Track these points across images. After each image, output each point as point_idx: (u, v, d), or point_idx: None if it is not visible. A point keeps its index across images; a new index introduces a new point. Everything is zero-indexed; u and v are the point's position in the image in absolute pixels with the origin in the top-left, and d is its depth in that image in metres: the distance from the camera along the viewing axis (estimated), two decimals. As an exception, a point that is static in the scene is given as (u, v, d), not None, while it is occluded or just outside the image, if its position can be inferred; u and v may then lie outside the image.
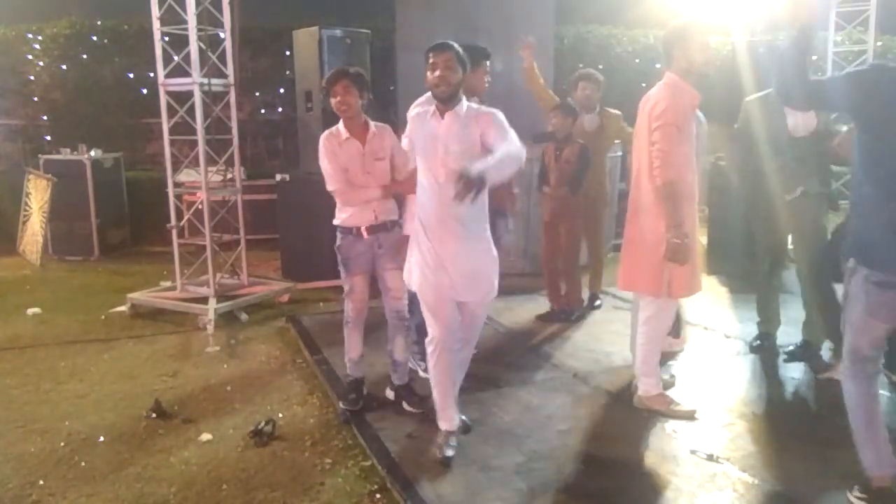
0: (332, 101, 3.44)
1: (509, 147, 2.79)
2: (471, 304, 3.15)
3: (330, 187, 3.48)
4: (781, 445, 3.20)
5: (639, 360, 3.61)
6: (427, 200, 3.04)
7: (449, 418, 3.20)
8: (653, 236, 3.36)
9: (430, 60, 2.95)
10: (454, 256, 3.00)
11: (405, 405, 3.63)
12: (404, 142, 3.35)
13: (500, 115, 2.99)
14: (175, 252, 5.72)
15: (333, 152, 3.44)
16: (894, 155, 2.45)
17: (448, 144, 2.96)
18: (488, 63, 4.01)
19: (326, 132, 3.50)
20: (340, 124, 3.49)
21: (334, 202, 5.21)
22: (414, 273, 3.11)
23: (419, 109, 3.13)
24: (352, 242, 3.54)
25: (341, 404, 3.68)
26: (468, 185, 2.50)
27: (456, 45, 2.99)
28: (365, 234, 3.50)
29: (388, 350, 3.69)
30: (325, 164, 3.45)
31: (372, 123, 3.53)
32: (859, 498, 2.67)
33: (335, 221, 3.58)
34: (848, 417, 2.72)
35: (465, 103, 3.01)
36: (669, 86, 3.33)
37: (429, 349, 3.14)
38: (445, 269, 3.00)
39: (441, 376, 3.15)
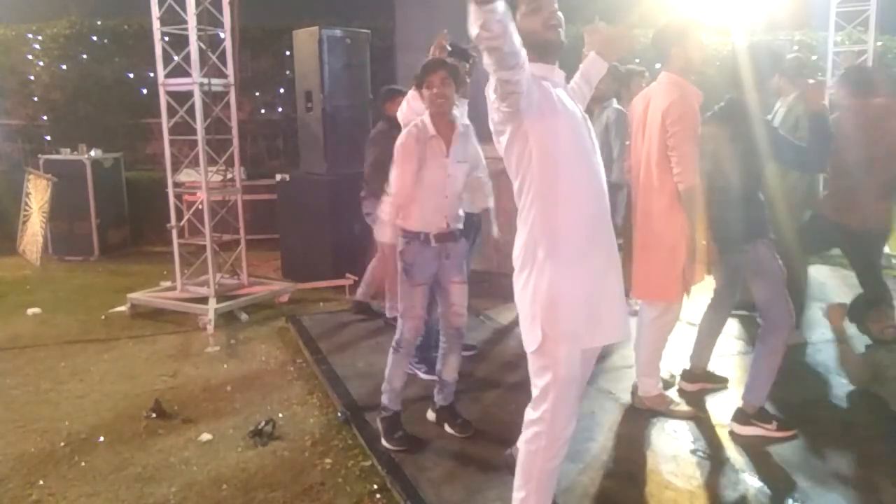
0: (426, 92, 3.12)
1: None
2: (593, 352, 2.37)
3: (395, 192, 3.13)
4: (781, 444, 3.20)
5: (640, 360, 3.60)
6: (578, 211, 2.16)
7: None
8: (668, 242, 3.29)
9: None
10: (608, 285, 2.24)
11: (447, 428, 3.35)
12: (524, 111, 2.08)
13: None
14: (175, 252, 5.72)
15: (411, 151, 3.12)
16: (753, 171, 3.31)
17: (589, 131, 2.26)
18: (468, 65, 4.01)
19: (407, 130, 3.18)
20: (427, 117, 3.17)
21: (333, 202, 5.22)
22: (557, 327, 2.14)
23: (539, 73, 2.16)
24: (419, 248, 3.17)
25: (388, 444, 3.21)
26: None
27: None
28: (433, 241, 3.18)
29: (438, 370, 3.43)
30: (398, 168, 3.13)
31: (466, 125, 3.28)
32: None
33: (399, 223, 3.19)
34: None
35: None
36: (675, 86, 3.25)
37: (541, 440, 2.23)
38: (599, 310, 2.22)
39: (552, 478, 2.33)
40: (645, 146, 3.36)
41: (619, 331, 2.29)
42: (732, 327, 4.76)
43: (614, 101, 4.91)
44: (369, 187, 4.73)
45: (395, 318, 4.70)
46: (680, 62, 3.26)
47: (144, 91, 9.02)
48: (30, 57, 9.19)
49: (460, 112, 3.94)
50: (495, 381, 3.98)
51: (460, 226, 3.28)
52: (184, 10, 5.33)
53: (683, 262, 3.27)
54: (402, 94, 4.83)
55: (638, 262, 3.47)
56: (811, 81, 3.35)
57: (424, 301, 3.26)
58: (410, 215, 3.19)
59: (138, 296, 5.70)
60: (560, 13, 2.20)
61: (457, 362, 3.39)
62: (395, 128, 4.69)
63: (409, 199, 3.16)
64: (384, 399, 3.31)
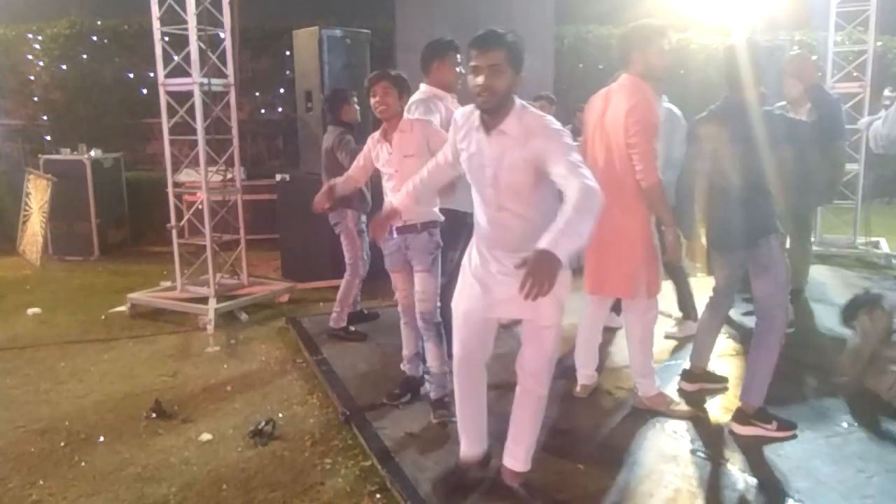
0: (372, 100, 3.49)
1: (579, 194, 2.27)
2: (530, 325, 2.73)
3: None
4: (781, 444, 3.20)
5: (634, 361, 3.62)
6: (478, 215, 2.72)
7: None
8: (627, 238, 3.36)
9: (472, 63, 2.48)
10: (501, 276, 2.64)
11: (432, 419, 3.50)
12: (443, 149, 2.90)
13: (559, 128, 2.50)
14: (175, 252, 5.72)
15: (366, 153, 3.62)
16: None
17: (497, 171, 2.56)
18: (458, 56, 3.90)
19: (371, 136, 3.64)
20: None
21: (333, 202, 5.18)
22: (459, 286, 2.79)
23: (464, 111, 2.71)
24: (386, 240, 3.54)
25: (384, 399, 3.69)
26: (537, 277, 2.07)
27: (507, 39, 2.45)
28: (395, 234, 3.49)
29: (423, 361, 3.65)
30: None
31: (405, 121, 3.52)
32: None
33: None
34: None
35: (515, 114, 2.52)
36: (637, 88, 3.30)
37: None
38: (488, 288, 2.68)
39: (461, 393, 2.87)
40: (603, 144, 3.41)
41: (512, 312, 2.81)
42: (732, 327, 4.77)
43: (665, 98, 4.61)
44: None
45: (342, 329, 4.79)
46: (639, 67, 3.32)
47: (144, 91, 9.03)
48: (30, 57, 9.20)
49: (447, 105, 3.92)
50: (495, 381, 3.96)
51: (427, 219, 3.48)
52: (184, 10, 5.33)
53: (640, 262, 3.36)
54: (353, 96, 4.88)
55: (592, 257, 3.52)
56: (791, 54, 3.36)
57: (405, 284, 3.63)
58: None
59: (138, 296, 5.70)
60: (483, 77, 2.44)
61: (435, 350, 3.52)
62: (348, 131, 4.75)
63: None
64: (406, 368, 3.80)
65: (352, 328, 4.83)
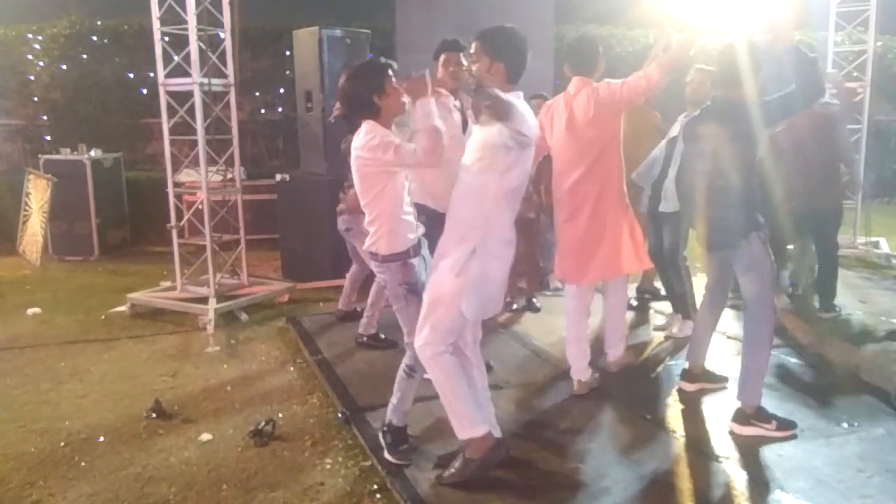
0: (402, 99, 2.97)
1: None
2: None
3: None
4: (781, 444, 3.20)
5: (616, 329, 4.07)
6: None
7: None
8: (615, 219, 3.68)
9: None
10: None
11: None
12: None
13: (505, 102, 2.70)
14: (175, 252, 5.72)
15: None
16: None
17: None
18: (446, 56, 3.95)
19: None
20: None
21: (333, 202, 5.15)
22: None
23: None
24: (415, 263, 3.01)
25: (393, 458, 3.06)
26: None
27: (481, 33, 3.00)
28: (420, 249, 3.06)
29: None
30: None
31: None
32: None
33: (385, 251, 2.96)
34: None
35: None
36: (588, 83, 3.61)
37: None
38: None
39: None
40: (574, 145, 3.61)
41: None
42: (731, 326, 4.77)
43: None
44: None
45: (371, 336, 4.61)
46: (599, 73, 3.68)
47: (144, 91, 9.03)
48: (30, 57, 9.20)
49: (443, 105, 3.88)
50: (494, 381, 3.96)
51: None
52: (184, 10, 5.33)
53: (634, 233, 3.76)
54: None
55: (594, 248, 3.68)
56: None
57: None
58: (395, 236, 2.95)
59: (138, 296, 5.70)
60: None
61: None
62: None
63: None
64: (393, 418, 3.13)
65: (382, 335, 4.59)
